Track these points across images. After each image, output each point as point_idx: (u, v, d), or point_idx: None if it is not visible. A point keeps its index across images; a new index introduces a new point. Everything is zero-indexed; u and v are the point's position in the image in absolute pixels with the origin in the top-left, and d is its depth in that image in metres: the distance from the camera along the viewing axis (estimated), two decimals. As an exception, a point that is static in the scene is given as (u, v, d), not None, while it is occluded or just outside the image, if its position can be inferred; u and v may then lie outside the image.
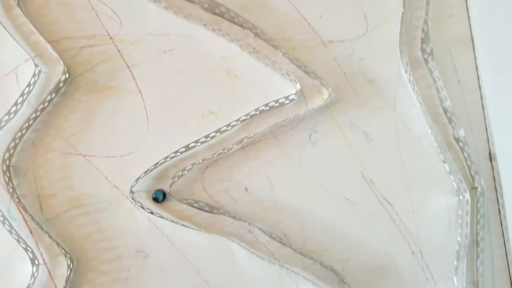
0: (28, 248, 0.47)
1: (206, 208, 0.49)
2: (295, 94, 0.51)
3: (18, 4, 0.52)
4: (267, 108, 0.51)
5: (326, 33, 0.53)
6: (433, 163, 0.51)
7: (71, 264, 0.47)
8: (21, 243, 0.47)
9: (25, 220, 0.48)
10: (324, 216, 0.50)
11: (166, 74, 0.52)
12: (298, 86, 0.51)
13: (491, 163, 0.52)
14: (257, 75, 0.52)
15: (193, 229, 0.48)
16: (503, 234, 0.50)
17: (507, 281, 0.49)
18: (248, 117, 0.51)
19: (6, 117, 0.49)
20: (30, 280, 0.47)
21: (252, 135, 0.50)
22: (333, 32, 0.53)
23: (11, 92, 0.51)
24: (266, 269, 0.48)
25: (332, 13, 0.54)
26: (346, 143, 0.51)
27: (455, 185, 0.50)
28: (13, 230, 0.48)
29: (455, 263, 0.49)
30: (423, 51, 0.53)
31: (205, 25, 0.52)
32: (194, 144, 0.50)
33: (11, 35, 0.51)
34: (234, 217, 0.49)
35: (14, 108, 0.50)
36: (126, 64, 0.52)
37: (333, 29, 0.53)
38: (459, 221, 0.50)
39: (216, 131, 0.50)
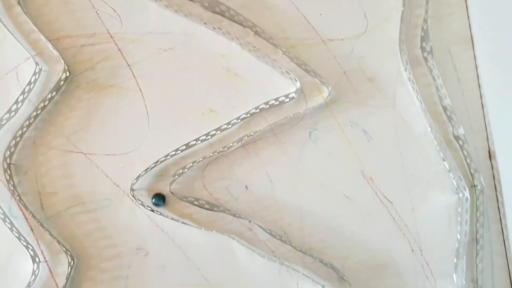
0: (29, 246, 0.48)
1: (206, 206, 0.49)
2: (295, 92, 0.51)
3: (19, 3, 0.52)
4: (267, 106, 0.51)
5: (326, 32, 0.53)
6: (432, 161, 0.51)
7: (72, 262, 0.47)
8: (22, 241, 0.48)
9: (25, 218, 0.49)
10: (324, 213, 0.50)
11: (167, 73, 0.52)
12: (298, 84, 0.51)
13: (491, 161, 0.52)
14: (257, 74, 0.52)
15: (194, 226, 0.49)
16: (502, 231, 0.50)
17: (506, 279, 0.50)
18: (248, 115, 0.51)
19: (7, 116, 0.49)
20: (31, 277, 0.47)
21: (252, 133, 0.50)
22: (333, 31, 0.53)
23: (11, 90, 0.51)
24: (266, 266, 0.49)
25: (332, 12, 0.54)
26: (346, 141, 0.51)
27: (454, 183, 0.51)
28: (14, 228, 0.48)
29: (455, 260, 0.49)
30: (422, 49, 0.53)
31: (205, 23, 0.52)
32: (194, 142, 0.50)
33: (11, 34, 0.51)
34: (234, 215, 0.49)
35: (15, 106, 0.50)
36: (127, 63, 0.52)
37: (333, 27, 0.53)
38: (459, 218, 0.50)
39: (217, 129, 0.50)
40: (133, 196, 0.49)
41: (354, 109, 0.52)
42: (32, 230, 0.48)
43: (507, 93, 0.53)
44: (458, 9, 0.54)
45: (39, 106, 0.50)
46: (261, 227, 0.49)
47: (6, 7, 0.52)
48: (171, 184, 0.49)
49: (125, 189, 0.49)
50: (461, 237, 0.49)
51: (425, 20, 0.53)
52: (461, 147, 0.51)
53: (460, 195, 0.50)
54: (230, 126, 0.51)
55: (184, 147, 0.50)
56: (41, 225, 0.48)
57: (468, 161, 0.51)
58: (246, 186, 0.50)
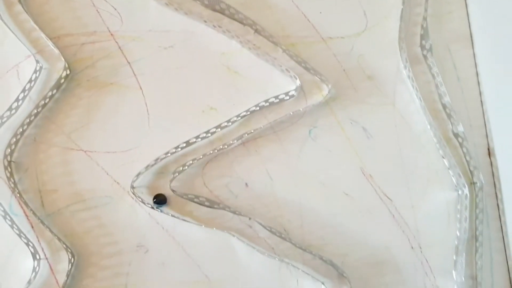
0: (30, 243, 0.48)
1: (206, 203, 0.49)
2: (295, 90, 0.51)
3: (20, 1, 0.52)
4: (267, 104, 0.51)
5: (325, 30, 0.53)
6: (432, 159, 0.51)
7: (72, 259, 0.47)
8: (22, 238, 0.48)
9: (26, 215, 0.49)
10: (324, 211, 0.50)
11: (167, 70, 0.52)
12: (298, 82, 0.51)
13: (490, 158, 0.52)
14: (257, 71, 0.52)
15: (194, 224, 0.49)
16: (501, 228, 0.50)
17: (505, 275, 0.50)
18: (248, 113, 0.51)
19: (8, 113, 0.50)
20: (32, 274, 0.47)
21: (252, 131, 0.50)
22: (333, 29, 0.53)
23: (12, 88, 0.51)
24: (266, 263, 0.49)
25: (331, 10, 0.54)
26: (346, 138, 0.52)
27: (454, 180, 0.51)
28: (14, 225, 0.48)
29: (454, 257, 0.49)
30: (422, 47, 0.53)
31: (205, 21, 0.52)
32: (194, 139, 0.50)
33: (12, 32, 0.51)
34: (234, 212, 0.49)
35: (16, 104, 0.50)
36: (127, 61, 0.52)
37: (332, 25, 0.53)
38: (458, 216, 0.50)
39: (217, 127, 0.50)
40: (133, 194, 0.49)
41: (353, 107, 0.52)
42: (32, 227, 0.49)
43: (506, 91, 0.53)
44: (457, 7, 0.54)
45: (40, 104, 0.50)
46: (261, 224, 0.49)
47: (7, 6, 0.52)
48: (171, 181, 0.49)
49: (126, 186, 0.49)
50: (461, 234, 0.49)
51: (424, 18, 0.53)
52: (461, 144, 0.51)
53: (460, 192, 0.50)
54: (230, 123, 0.51)
55: (184, 144, 0.50)
56: (42, 222, 0.48)
57: (468, 158, 0.51)
58: (246, 184, 0.50)
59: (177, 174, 0.49)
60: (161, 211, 0.49)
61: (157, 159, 0.49)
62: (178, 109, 0.51)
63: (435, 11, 0.54)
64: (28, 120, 0.50)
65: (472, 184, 0.51)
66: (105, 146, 0.50)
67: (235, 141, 0.50)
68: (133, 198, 0.49)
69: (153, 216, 0.49)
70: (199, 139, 0.50)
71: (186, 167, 0.50)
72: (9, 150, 0.49)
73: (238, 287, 0.48)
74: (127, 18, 0.53)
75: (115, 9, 0.53)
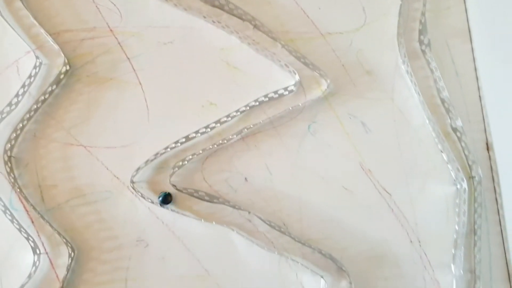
0: (30, 238, 0.48)
1: (206, 198, 0.49)
2: (294, 85, 0.51)
3: (19, -3, 0.52)
4: (267, 99, 0.51)
5: (324, 25, 0.54)
6: (430, 153, 0.51)
7: (72, 253, 0.48)
8: (22, 233, 0.48)
9: (26, 210, 0.49)
10: (323, 205, 0.50)
11: (166, 66, 0.52)
12: (297, 77, 0.51)
13: (488, 152, 0.52)
14: (256, 67, 0.52)
15: (193, 218, 0.49)
16: (500, 222, 0.51)
17: (504, 269, 0.50)
18: (248, 108, 0.51)
19: (8, 109, 0.50)
20: (32, 269, 0.47)
21: (251, 126, 0.51)
22: (332, 24, 0.54)
23: (12, 84, 0.51)
24: (266, 257, 0.49)
25: (330, 5, 0.54)
26: (345, 133, 0.52)
27: (452, 175, 0.51)
28: (14, 220, 0.48)
29: (453, 251, 0.49)
30: (420, 42, 0.53)
31: (204, 17, 0.53)
32: (194, 134, 0.50)
33: (12, 28, 0.52)
34: (233, 207, 0.49)
35: (15, 99, 0.50)
36: (126, 56, 0.52)
37: (331, 21, 0.54)
38: (457, 209, 0.50)
39: (216, 122, 0.51)
40: (133, 188, 0.49)
41: (352, 102, 0.52)
42: (32, 222, 0.49)
43: (504, 85, 0.53)
44: (455, 2, 0.55)
45: (40, 99, 0.50)
46: (260, 218, 0.49)
47: (6, 2, 0.52)
48: (171, 176, 0.49)
49: (125, 181, 0.49)
50: (459, 228, 0.49)
51: (423, 14, 0.53)
52: (459, 139, 0.51)
53: (458, 186, 0.51)
54: (229, 118, 0.51)
55: (183, 139, 0.50)
56: (42, 217, 0.48)
57: (466, 152, 0.51)
58: (245, 178, 0.50)
59: (176, 169, 0.50)
60: (160, 205, 0.49)
61: (156, 154, 0.49)
62: (178, 105, 0.52)
63: (433, 6, 0.54)
64: (28, 116, 0.50)
65: (470, 178, 0.51)
66: (105, 141, 0.50)
67: (235, 136, 0.50)
68: (133, 193, 0.49)
69: (153, 211, 0.49)
70: (199, 134, 0.50)
71: (186, 162, 0.50)
72: (9, 145, 0.49)
73: (238, 281, 0.48)
74: (126, 14, 0.53)
75: (115, 5, 0.53)
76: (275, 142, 0.51)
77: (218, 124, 0.51)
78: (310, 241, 0.49)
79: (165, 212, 0.49)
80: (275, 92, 0.51)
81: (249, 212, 0.49)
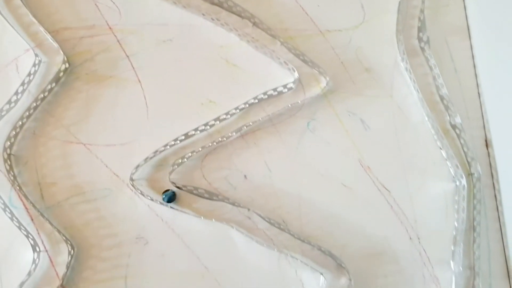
0: (29, 235, 0.48)
1: (205, 195, 0.49)
2: (293, 82, 0.51)
3: (18, -5, 0.52)
4: (266, 96, 0.51)
5: (323, 23, 0.54)
6: (430, 150, 0.52)
7: (72, 251, 0.48)
8: (22, 231, 0.48)
9: (26, 207, 0.49)
10: (322, 202, 0.50)
11: (165, 64, 0.52)
12: (296, 74, 0.51)
13: (487, 149, 0.52)
14: (255, 64, 0.52)
15: (193, 215, 0.49)
16: (499, 218, 0.51)
17: (503, 265, 0.50)
18: (247, 105, 0.51)
19: (7, 106, 0.50)
20: (31, 266, 0.47)
21: (251, 123, 0.51)
22: (331, 22, 0.54)
23: (11, 81, 0.51)
24: (265, 254, 0.49)
25: (329, 3, 0.54)
26: (344, 130, 0.52)
27: (451, 171, 0.51)
28: (14, 218, 0.48)
29: (452, 247, 0.49)
30: (419, 39, 0.53)
31: (203, 14, 0.53)
32: (193, 132, 0.50)
33: (11, 26, 0.52)
34: (233, 204, 0.49)
35: (15, 97, 0.50)
36: (126, 54, 0.52)
37: (330, 18, 0.54)
38: (456, 206, 0.50)
39: (215, 119, 0.51)
40: (132, 186, 0.49)
41: (351, 99, 0.52)
42: (32, 220, 0.49)
43: (503, 83, 0.53)
44: (454, 0, 0.55)
45: (39, 97, 0.50)
46: (260, 215, 0.49)
47: (5, 0, 0.52)
48: (170, 173, 0.49)
49: (125, 179, 0.50)
50: (458, 224, 0.49)
51: (421, 11, 0.53)
52: (458, 135, 0.51)
53: (457, 183, 0.51)
54: (229, 116, 0.51)
55: (183, 137, 0.50)
56: (41, 215, 0.48)
57: (465, 149, 0.51)
58: (245, 176, 0.51)
59: (176, 166, 0.50)
60: (160, 203, 0.49)
61: (156, 152, 0.49)
62: (177, 102, 0.52)
63: (432, 3, 0.54)
64: (27, 113, 0.50)
65: (469, 175, 0.51)
66: (104, 139, 0.51)
67: (234, 133, 0.50)
68: (132, 191, 0.49)
69: (153, 208, 0.49)
70: (198, 132, 0.51)
71: (185, 160, 0.50)
72: (9, 143, 0.49)
73: (237, 278, 0.48)
74: (125, 12, 0.53)
75: (114, 2, 0.53)
76: (274, 140, 0.51)
77: (218, 122, 0.51)
78: (310, 238, 0.49)
79: (165, 210, 0.49)
80: (274, 90, 0.51)
81: (249, 209, 0.49)
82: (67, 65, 0.51)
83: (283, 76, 0.52)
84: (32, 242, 0.48)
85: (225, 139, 0.50)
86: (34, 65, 0.51)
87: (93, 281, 0.48)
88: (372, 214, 0.50)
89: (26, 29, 0.52)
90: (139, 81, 0.52)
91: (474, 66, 0.53)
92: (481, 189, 0.51)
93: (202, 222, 0.49)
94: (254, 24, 0.53)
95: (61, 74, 0.51)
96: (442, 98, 0.52)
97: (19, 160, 0.50)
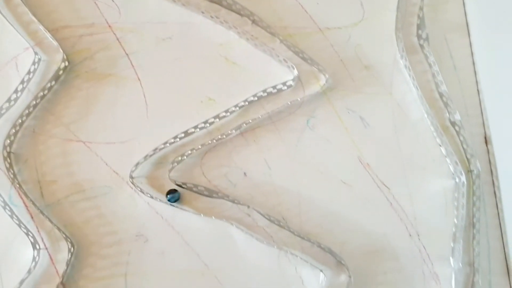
0: (29, 233, 0.48)
1: (205, 193, 0.49)
2: (293, 80, 0.51)
3: (18, -6, 0.52)
4: (265, 94, 0.51)
5: (323, 20, 0.54)
6: (429, 147, 0.52)
7: (72, 249, 0.48)
8: (22, 228, 0.48)
9: (26, 205, 0.49)
10: (322, 199, 0.50)
11: (165, 62, 0.52)
12: (295, 72, 0.51)
13: (487, 146, 0.52)
14: (255, 62, 0.52)
15: (193, 213, 0.49)
16: (498, 215, 0.51)
17: (502, 262, 0.50)
18: (247, 103, 0.51)
19: (7, 105, 0.50)
20: (31, 264, 0.47)
21: (250, 121, 0.51)
22: (330, 19, 0.54)
23: (11, 80, 0.51)
24: (265, 251, 0.49)
25: (328, 1, 0.54)
26: (343, 128, 0.52)
27: (451, 168, 0.51)
28: (14, 216, 0.48)
29: (452, 244, 0.49)
30: (418, 37, 0.53)
31: (203, 12, 0.53)
32: (193, 130, 0.50)
33: (11, 24, 0.52)
34: (233, 201, 0.49)
35: (15, 95, 0.50)
36: (125, 52, 0.52)
37: (329, 16, 0.54)
38: (455, 203, 0.50)
39: (215, 117, 0.51)
40: (132, 184, 0.49)
41: (351, 97, 0.52)
42: (32, 217, 0.49)
43: (502, 79, 0.53)
44: (453, -3, 0.55)
45: (39, 95, 0.50)
46: (259, 212, 0.49)
47: (5, -2, 0.53)
48: (170, 171, 0.49)
49: (125, 176, 0.50)
50: (458, 221, 0.49)
51: (421, 8, 0.53)
52: (458, 132, 0.52)
53: (457, 180, 0.51)
54: (228, 114, 0.51)
55: (182, 134, 0.50)
56: (41, 212, 0.48)
57: (465, 146, 0.51)
58: (244, 173, 0.51)
59: (175, 164, 0.50)
60: (160, 200, 0.49)
61: (155, 149, 0.50)
62: (177, 100, 0.52)
63: (431, 1, 0.54)
64: (27, 112, 0.50)
65: (469, 171, 0.51)
66: (104, 137, 0.51)
67: (234, 131, 0.50)
68: (132, 188, 0.49)
69: (152, 206, 0.49)
70: (198, 129, 0.51)
71: (185, 157, 0.50)
72: (8, 141, 0.49)
73: (237, 276, 0.48)
74: (125, 10, 0.53)
75: (113, 1, 0.53)
76: (274, 137, 0.51)
77: (217, 119, 0.51)
78: (309, 235, 0.49)
79: (165, 207, 0.49)
80: (274, 87, 0.51)
81: (248, 207, 0.49)
82: (66, 63, 0.51)
83: (282, 74, 0.52)
84: (32, 240, 0.48)
85: (224, 136, 0.50)
86: (33, 63, 0.51)
87: (93, 278, 0.48)
88: (372, 211, 0.50)
89: (25, 28, 0.52)
90: (139, 79, 0.52)
91: (473, 63, 0.53)
92: (481, 186, 0.51)
93: (202, 220, 0.49)
94: (254, 22, 0.53)
95: (61, 72, 0.51)
96: (441, 95, 0.52)
97: (19, 158, 0.50)
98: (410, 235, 0.50)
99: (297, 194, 0.50)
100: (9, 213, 0.48)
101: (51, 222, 0.48)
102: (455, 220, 0.50)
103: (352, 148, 0.51)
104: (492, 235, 0.50)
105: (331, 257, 0.49)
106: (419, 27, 0.53)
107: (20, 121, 0.50)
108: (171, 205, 0.49)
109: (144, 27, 0.53)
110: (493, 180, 0.52)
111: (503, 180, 0.51)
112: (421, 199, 0.50)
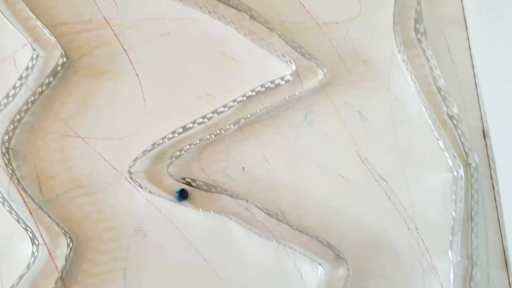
0: (28, 229, 0.48)
1: (203, 187, 0.50)
2: (291, 75, 0.52)
3: (16, -10, 0.52)
4: (263, 89, 0.51)
5: (320, 15, 0.54)
6: (427, 141, 0.52)
7: (71, 244, 0.48)
8: (21, 224, 0.48)
9: (24, 201, 0.49)
10: (320, 193, 0.50)
11: (163, 57, 0.52)
12: (293, 67, 0.51)
13: (485, 139, 0.52)
14: (253, 57, 0.52)
15: (191, 207, 0.49)
16: (496, 208, 0.51)
17: (501, 255, 0.50)
18: (245, 98, 0.51)
19: (5, 101, 0.50)
20: (31, 259, 0.47)
21: (248, 116, 0.51)
22: (328, 14, 0.54)
23: (9, 76, 0.51)
24: (264, 245, 0.49)
25: (326, -5, 0.54)
26: (341, 122, 0.52)
27: (449, 162, 0.51)
28: (13, 211, 0.48)
29: (450, 237, 0.50)
30: (416, 31, 0.53)
31: (200, 8, 0.53)
32: (191, 125, 0.50)
33: (9, 21, 0.52)
34: (231, 196, 0.49)
35: (13, 91, 0.50)
36: (123, 48, 0.52)
37: (327, 10, 0.54)
38: (454, 196, 0.50)
39: (213, 112, 0.51)
40: (130, 179, 0.49)
41: (349, 91, 0.52)
42: (31, 213, 0.49)
43: (500, 73, 0.53)
44: (451, -9, 0.55)
45: (37, 91, 0.50)
46: (258, 207, 0.49)
47: (3, -5, 0.53)
48: (168, 166, 0.49)
49: (123, 172, 0.50)
50: (456, 214, 0.49)
51: (418, 3, 0.53)
52: (455, 126, 0.52)
53: (455, 173, 0.51)
54: (226, 109, 0.51)
55: (181, 130, 0.50)
56: (40, 208, 0.48)
57: (463, 140, 0.51)
58: (243, 168, 0.51)
59: (174, 159, 0.50)
60: (158, 195, 0.49)
61: (154, 144, 0.50)
62: (175, 95, 0.52)
63: (429, -5, 0.55)
64: (25, 107, 0.50)
65: (467, 165, 0.51)
66: (102, 132, 0.51)
67: (232, 126, 0.50)
68: (130, 183, 0.49)
69: (151, 201, 0.50)
70: (196, 125, 0.51)
71: (183, 152, 0.50)
72: (7, 137, 0.49)
73: (236, 270, 0.49)
74: (122, 6, 0.53)
75: (111, -4, 0.53)
76: (272, 132, 0.51)
77: (215, 114, 0.51)
78: (308, 229, 0.49)
79: (163, 202, 0.49)
80: (272, 82, 0.51)
81: (247, 201, 0.49)
82: (65, 59, 0.51)
83: (280, 69, 0.52)
84: (31, 235, 0.48)
85: (223, 131, 0.50)
86: (32, 59, 0.51)
87: (92, 273, 0.48)
88: (370, 205, 0.50)
89: (23, 24, 0.52)
90: (137, 74, 0.52)
91: (471, 57, 0.53)
92: (479, 179, 0.51)
93: (200, 214, 0.49)
94: (251, 17, 0.53)
95: (59, 68, 0.51)
96: (439, 89, 0.52)
97: (17, 154, 0.50)
98: (408, 228, 0.50)
99: (296, 189, 0.50)
100: (8, 208, 0.48)
101: (50, 217, 0.48)
102: (453, 214, 0.50)
103: (350, 143, 0.51)
104: (490, 228, 0.50)
105: (330, 250, 0.49)
106: (416, 21, 0.53)
107: (18, 117, 0.50)
108: (167, 199, 0.49)
109: (142, 23, 0.53)
110: (491, 173, 0.52)
111: (501, 173, 0.51)
112: (419, 193, 0.51)
